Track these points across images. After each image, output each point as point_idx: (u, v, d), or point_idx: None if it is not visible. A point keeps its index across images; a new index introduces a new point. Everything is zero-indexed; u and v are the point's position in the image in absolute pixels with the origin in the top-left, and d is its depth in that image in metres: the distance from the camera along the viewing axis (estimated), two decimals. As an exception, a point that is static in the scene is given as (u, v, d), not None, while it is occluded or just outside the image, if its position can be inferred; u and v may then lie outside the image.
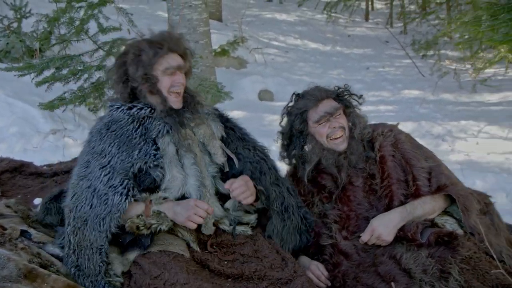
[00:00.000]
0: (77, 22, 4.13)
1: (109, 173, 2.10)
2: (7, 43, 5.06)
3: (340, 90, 2.49)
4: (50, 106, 4.01)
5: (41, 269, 2.00)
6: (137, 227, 2.08)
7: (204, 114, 2.36)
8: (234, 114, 5.33)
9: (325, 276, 2.23)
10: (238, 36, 8.15)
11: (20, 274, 1.92)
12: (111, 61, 4.40)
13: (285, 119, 2.51)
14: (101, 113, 4.84)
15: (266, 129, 4.84)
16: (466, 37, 4.95)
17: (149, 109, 2.24)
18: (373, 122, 2.56)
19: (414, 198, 2.25)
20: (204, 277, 2.00)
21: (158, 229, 2.09)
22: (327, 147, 2.40)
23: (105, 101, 2.38)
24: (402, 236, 2.20)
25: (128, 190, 2.07)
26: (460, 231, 2.20)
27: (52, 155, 3.90)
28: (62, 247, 2.21)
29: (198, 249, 2.13)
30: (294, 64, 8.97)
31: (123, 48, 2.34)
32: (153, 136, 2.20)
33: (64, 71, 4.11)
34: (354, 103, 2.49)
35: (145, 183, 2.16)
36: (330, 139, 2.38)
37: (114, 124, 2.21)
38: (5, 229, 2.24)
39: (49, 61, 3.99)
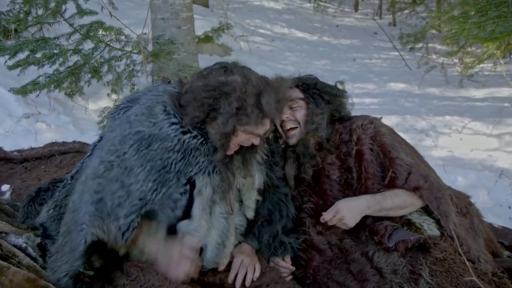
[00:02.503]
0: (53, 4, 3.95)
1: (123, 195, 1.84)
2: (-19, 23, 4.87)
3: (305, 81, 2.38)
4: (22, 91, 3.85)
5: (1, 262, 1.90)
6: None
7: (254, 165, 2.12)
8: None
9: (285, 263, 2.18)
10: (223, 23, 8.02)
11: (-23, 266, 1.83)
12: (88, 45, 4.27)
13: None
14: (78, 98, 4.71)
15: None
16: (453, 31, 4.87)
17: (202, 138, 1.93)
18: (362, 115, 2.46)
19: (387, 189, 2.17)
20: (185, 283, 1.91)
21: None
22: (281, 136, 2.34)
23: (157, 76, 2.02)
24: (373, 231, 2.14)
25: (129, 229, 1.84)
26: (436, 232, 2.14)
27: (24, 140, 3.78)
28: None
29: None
30: (280, 53, 8.90)
31: (228, 82, 1.87)
32: (191, 174, 1.94)
33: (38, 55, 3.94)
34: (324, 97, 2.35)
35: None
36: (285, 130, 2.31)
37: (157, 143, 1.87)
38: (-36, 218, 2.14)
39: (23, 43, 3.82)
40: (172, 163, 1.88)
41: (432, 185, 2.19)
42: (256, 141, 1.96)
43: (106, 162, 1.87)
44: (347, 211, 2.13)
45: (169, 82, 2.23)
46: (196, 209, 1.93)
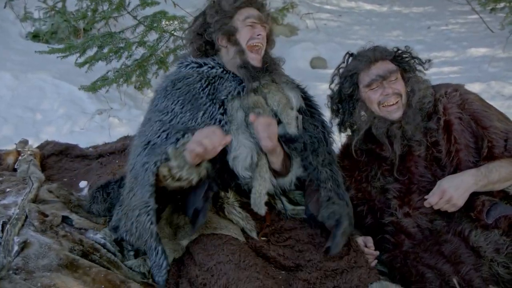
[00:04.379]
0: (117, -2, 3.99)
1: (167, 129, 1.95)
2: (52, 23, 5.05)
3: (399, 51, 2.24)
4: (92, 88, 3.95)
5: (83, 260, 1.94)
6: (164, 177, 1.85)
7: (282, 82, 2.19)
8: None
9: (368, 249, 2.08)
10: (287, 2, 7.89)
11: (61, 264, 1.87)
12: (152, 36, 4.28)
13: (335, 81, 2.32)
14: (147, 91, 4.76)
15: (320, 98, 4.57)
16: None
17: (221, 69, 2.12)
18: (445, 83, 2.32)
19: (487, 161, 2.04)
20: (257, 264, 1.86)
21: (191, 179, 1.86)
22: (379, 115, 2.18)
23: (175, 60, 2.28)
24: (464, 214, 2.01)
25: (178, 139, 1.87)
26: None
27: (99, 136, 3.88)
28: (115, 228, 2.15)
29: (256, 237, 1.99)
30: (348, 28, 8.75)
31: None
32: (222, 98, 2.05)
33: (105, 50, 4.01)
34: (417, 66, 2.24)
35: None
36: (383, 106, 2.17)
37: (181, 81, 2.08)
38: (46, 216, 2.20)
39: (90, 40, 3.90)
40: (199, 90, 2.04)
41: None
42: (259, 30, 2.08)
43: (145, 120, 2.07)
44: (454, 190, 2.00)
45: None
46: (233, 131, 2.01)
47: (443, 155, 2.12)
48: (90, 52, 4.15)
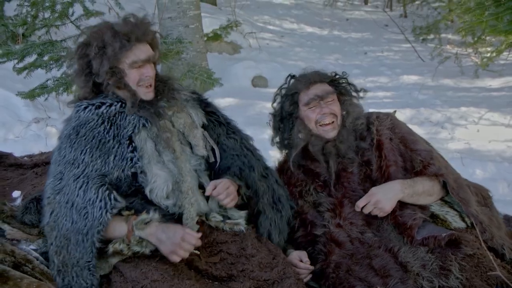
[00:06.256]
0: (59, 6, 3.91)
1: (83, 184, 1.92)
2: (-11, 27, 4.87)
3: (336, 76, 2.40)
4: (30, 95, 3.83)
5: (14, 272, 1.89)
6: (121, 252, 1.92)
7: (182, 100, 2.18)
8: (226, 101, 5.28)
9: (304, 263, 2.15)
10: (231, 20, 7.96)
11: (-9, 275, 1.81)
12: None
13: (278, 100, 2.44)
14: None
15: (260, 117, 4.70)
16: (468, 24, 4.74)
17: (119, 103, 2.05)
18: (370, 109, 2.50)
19: (414, 175, 2.19)
20: (190, 278, 1.88)
21: (141, 253, 1.92)
22: (316, 133, 2.31)
23: (69, 103, 2.18)
24: (400, 223, 2.12)
25: (106, 203, 1.89)
26: (461, 224, 2.13)
27: (35, 145, 3.78)
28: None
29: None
30: (290, 49, 8.86)
31: (83, 36, 2.10)
32: (129, 133, 2.02)
33: (46, 58, 3.92)
34: (352, 91, 2.39)
35: (129, 187, 2.02)
36: (320, 125, 2.30)
37: (83, 128, 2.01)
38: (-24, 226, 2.12)
39: (30, 47, 3.80)
40: (104, 133, 2.00)
41: (452, 172, 2.22)
42: (148, 72, 2.05)
43: (56, 173, 1.99)
44: (382, 194, 2.12)
45: None
46: (145, 166, 2.00)
47: (374, 170, 2.25)
48: (29, 59, 4.04)
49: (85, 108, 2.04)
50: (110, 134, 2.01)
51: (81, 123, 2.02)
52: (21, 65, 3.96)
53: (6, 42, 4.94)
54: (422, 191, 2.15)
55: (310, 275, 2.15)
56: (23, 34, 4.79)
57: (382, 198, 2.11)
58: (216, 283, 1.94)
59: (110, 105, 2.04)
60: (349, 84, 2.41)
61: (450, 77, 7.13)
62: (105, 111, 2.03)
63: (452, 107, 5.65)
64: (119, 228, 1.92)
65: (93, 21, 4.08)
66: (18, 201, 2.84)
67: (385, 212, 2.13)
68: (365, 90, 2.43)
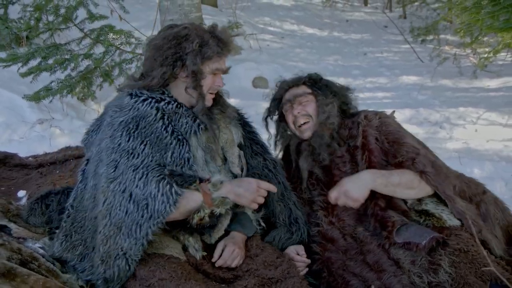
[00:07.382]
0: (63, 10, 3.97)
1: (143, 175, 1.88)
2: (-7, 29, 4.91)
3: (307, 78, 2.51)
4: (35, 98, 3.87)
5: (21, 269, 1.91)
6: (202, 219, 1.93)
7: (230, 116, 2.24)
8: (227, 102, 5.29)
9: (300, 256, 2.21)
10: (232, 22, 8.00)
11: (-2, 272, 1.85)
12: (99, 49, 4.29)
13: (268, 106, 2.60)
14: (90, 102, 4.74)
15: (260, 117, 4.73)
16: (467, 23, 4.80)
17: (175, 103, 2.07)
18: (370, 109, 2.51)
19: (394, 167, 2.21)
20: (198, 280, 1.91)
21: (217, 213, 1.95)
22: (295, 133, 2.46)
23: (120, 88, 2.12)
24: (382, 224, 2.14)
25: (168, 197, 1.85)
26: (456, 222, 2.13)
27: (39, 146, 3.82)
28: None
29: (200, 256, 2.02)
30: (290, 50, 8.89)
31: (181, 28, 2.07)
32: (185, 135, 2.04)
33: (50, 61, 3.97)
34: (328, 92, 2.46)
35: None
36: (298, 126, 2.42)
37: (143, 121, 1.98)
38: (-17, 225, 2.16)
39: (35, 51, 3.85)
40: (162, 131, 1.99)
41: (439, 170, 2.20)
42: (219, 82, 2.11)
43: (110, 161, 1.92)
44: (351, 184, 2.14)
45: None
46: (199, 173, 2.03)
47: (360, 170, 2.25)
48: (34, 62, 4.09)
49: (144, 100, 2.02)
50: (168, 131, 2.00)
51: (140, 115, 1.99)
52: (25, 68, 4.01)
53: (10, 44, 4.99)
54: (399, 182, 2.15)
55: (307, 269, 2.20)
56: (27, 37, 4.83)
57: (351, 187, 2.13)
58: (224, 285, 1.97)
59: (169, 103, 2.05)
60: (327, 85, 2.48)
61: (449, 78, 7.16)
62: (164, 106, 2.04)
63: (450, 107, 5.69)
64: (192, 197, 1.92)
65: (97, 24, 4.15)
66: (24, 201, 2.89)
67: (358, 202, 2.14)
68: (348, 88, 2.52)
